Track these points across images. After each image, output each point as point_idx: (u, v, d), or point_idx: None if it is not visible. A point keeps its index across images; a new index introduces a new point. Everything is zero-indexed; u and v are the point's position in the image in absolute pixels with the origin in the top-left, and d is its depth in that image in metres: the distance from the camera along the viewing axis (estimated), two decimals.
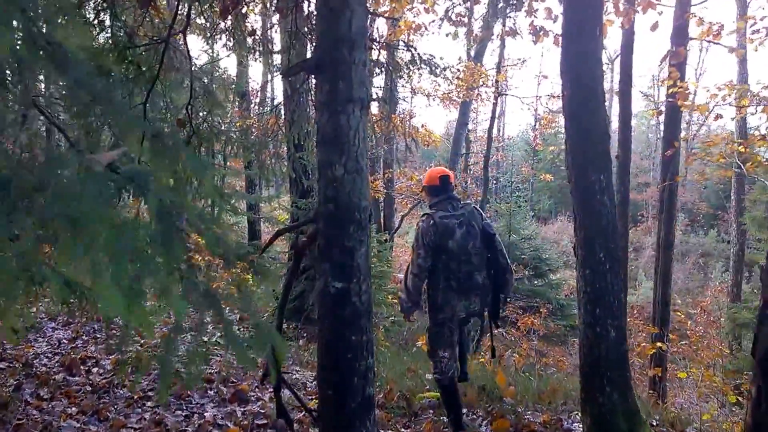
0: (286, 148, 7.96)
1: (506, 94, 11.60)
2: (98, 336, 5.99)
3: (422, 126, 12.38)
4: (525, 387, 5.39)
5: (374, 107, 14.75)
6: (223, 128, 4.09)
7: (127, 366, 5.04)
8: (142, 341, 5.79)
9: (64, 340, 5.79)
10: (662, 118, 8.03)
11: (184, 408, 4.34)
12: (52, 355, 5.34)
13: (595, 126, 3.51)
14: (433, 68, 5.44)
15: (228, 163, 5.77)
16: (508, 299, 4.16)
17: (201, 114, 4.20)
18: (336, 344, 2.30)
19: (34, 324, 6.06)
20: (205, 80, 3.76)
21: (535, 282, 11.74)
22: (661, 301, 8.17)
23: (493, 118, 10.64)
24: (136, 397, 4.45)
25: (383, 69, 12.56)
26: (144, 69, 2.99)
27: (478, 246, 3.70)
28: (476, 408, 4.65)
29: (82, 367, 5.07)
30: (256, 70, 20.69)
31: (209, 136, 3.93)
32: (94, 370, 5.03)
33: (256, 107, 15.13)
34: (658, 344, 6.94)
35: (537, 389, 5.25)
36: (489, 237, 3.75)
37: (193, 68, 3.93)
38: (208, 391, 4.60)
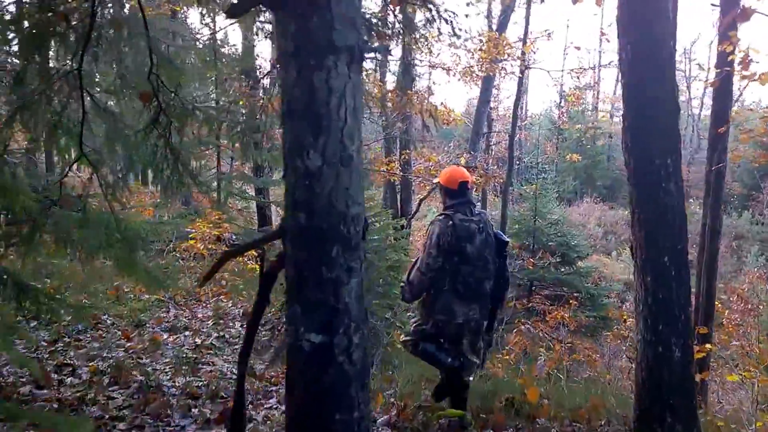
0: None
1: (532, 67, 10.74)
2: (81, 338, 5.39)
3: (441, 103, 11.57)
4: (559, 399, 4.69)
5: (389, 82, 13.97)
6: (203, 105, 3.36)
7: (104, 377, 4.43)
8: (127, 345, 5.19)
9: (44, 342, 5.19)
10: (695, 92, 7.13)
11: (161, 430, 3.71)
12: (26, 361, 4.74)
13: (663, 95, 2.75)
14: (456, 29, 4.61)
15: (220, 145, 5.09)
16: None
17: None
18: (311, 427, 1.59)
19: (13, 324, 5.47)
20: (168, 45, 3.01)
21: (563, 270, 10.95)
22: (706, 296, 7.37)
23: (519, 92, 9.81)
24: (107, 416, 3.84)
25: (395, 33, 11.74)
26: (74, 23, 2.32)
27: (492, 255, 3.65)
28: (505, 429, 3.97)
29: (56, 376, 4.46)
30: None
31: (182, 113, 3.24)
32: (68, 380, 4.42)
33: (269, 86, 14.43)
34: (708, 346, 6.16)
35: (575, 404, 4.54)
36: (502, 245, 3.73)
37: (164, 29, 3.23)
38: (192, 410, 3.96)
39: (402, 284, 3.84)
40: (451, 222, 3.51)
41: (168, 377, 4.35)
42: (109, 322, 6.02)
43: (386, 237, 10.40)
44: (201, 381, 4.26)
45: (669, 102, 2.77)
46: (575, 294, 10.53)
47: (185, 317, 7.45)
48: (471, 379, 3.84)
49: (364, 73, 10.29)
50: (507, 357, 7.54)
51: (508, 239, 3.78)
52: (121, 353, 4.96)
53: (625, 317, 9.11)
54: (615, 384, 6.41)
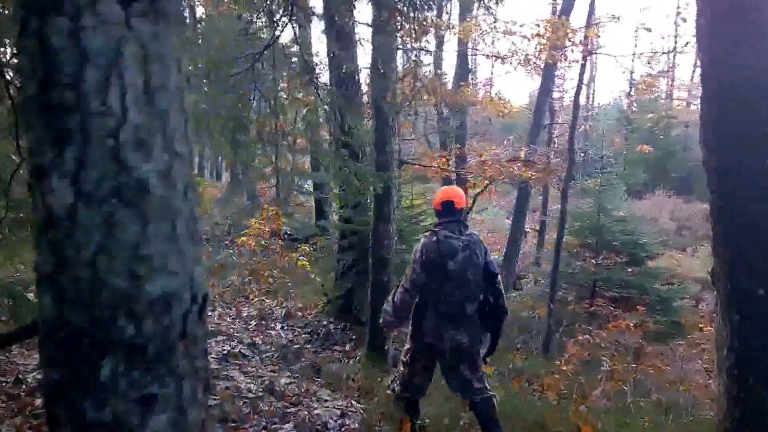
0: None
1: (597, 53, 9.96)
2: None
3: (496, 94, 10.96)
4: None
5: (448, 76, 13.45)
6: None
7: None
8: None
9: None
10: None
11: None
12: None
13: (761, 70, 2.11)
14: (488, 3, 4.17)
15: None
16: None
17: None
18: None
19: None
20: None
21: (630, 270, 10.13)
22: None
23: (580, 81, 9.09)
24: None
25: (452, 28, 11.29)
26: None
27: (476, 276, 3.54)
28: None
29: None
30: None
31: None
32: None
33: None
34: None
35: None
36: (490, 276, 3.60)
37: None
38: None
39: (385, 306, 3.76)
40: (435, 237, 3.49)
41: None
42: None
43: None
44: (215, 400, 3.98)
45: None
46: (644, 297, 9.74)
47: (228, 317, 7.31)
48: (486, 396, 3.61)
49: (415, 55, 9.85)
50: (565, 368, 6.93)
51: (497, 271, 3.68)
52: None
53: (701, 326, 8.30)
54: (691, 404, 5.73)
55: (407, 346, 3.71)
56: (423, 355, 3.61)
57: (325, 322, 6.91)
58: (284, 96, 3.63)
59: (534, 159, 11.85)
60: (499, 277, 3.68)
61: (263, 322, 7.14)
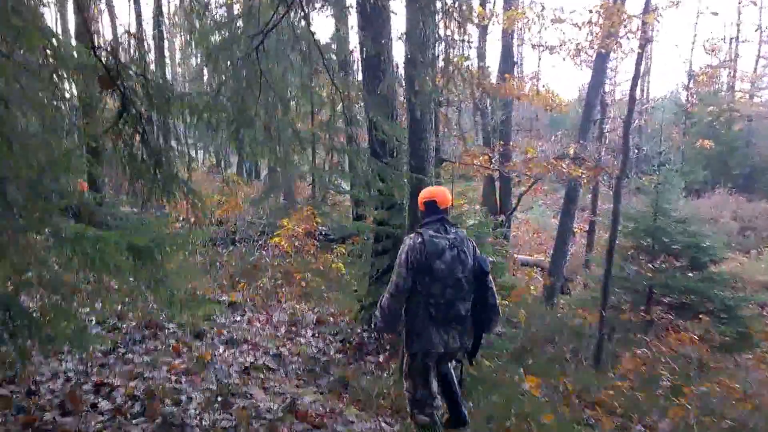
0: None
1: (656, 41, 9.18)
2: (135, 350, 4.96)
3: (544, 87, 10.32)
4: None
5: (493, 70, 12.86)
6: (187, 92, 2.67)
7: (136, 403, 3.91)
8: (173, 363, 4.68)
9: (97, 353, 4.81)
10: None
11: None
12: (70, 377, 4.34)
13: None
14: None
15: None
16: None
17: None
18: None
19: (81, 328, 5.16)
20: None
21: (690, 276, 9.33)
22: None
23: (637, 72, 8.35)
24: None
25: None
26: None
27: (466, 274, 3.48)
28: None
29: (92, 397, 4.01)
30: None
31: (161, 103, 2.56)
32: (101, 404, 3.95)
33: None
34: None
35: None
36: (481, 274, 3.54)
37: None
38: None
39: (375, 312, 3.67)
40: (420, 238, 3.42)
41: (197, 412, 3.74)
42: (171, 329, 5.59)
43: (481, 236, 9.40)
44: (231, 421, 3.60)
45: None
46: (707, 304, 8.95)
47: (258, 322, 6.99)
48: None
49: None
50: (620, 386, 6.32)
51: (488, 268, 3.60)
52: (163, 372, 4.45)
53: None
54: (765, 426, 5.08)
55: (405, 356, 3.71)
56: (419, 363, 3.57)
57: (358, 330, 6.48)
58: (295, 85, 3.19)
59: (584, 156, 11.15)
60: (490, 276, 3.60)
61: (293, 328, 6.78)
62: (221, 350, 5.22)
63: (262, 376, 4.72)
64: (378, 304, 3.61)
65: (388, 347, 6.34)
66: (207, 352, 4.90)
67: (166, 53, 22.15)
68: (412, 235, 3.54)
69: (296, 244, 10.00)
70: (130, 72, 2.58)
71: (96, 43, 2.39)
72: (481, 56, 12.83)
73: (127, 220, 3.58)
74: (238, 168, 23.11)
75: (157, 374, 4.40)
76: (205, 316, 6.09)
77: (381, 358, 6.03)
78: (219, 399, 3.98)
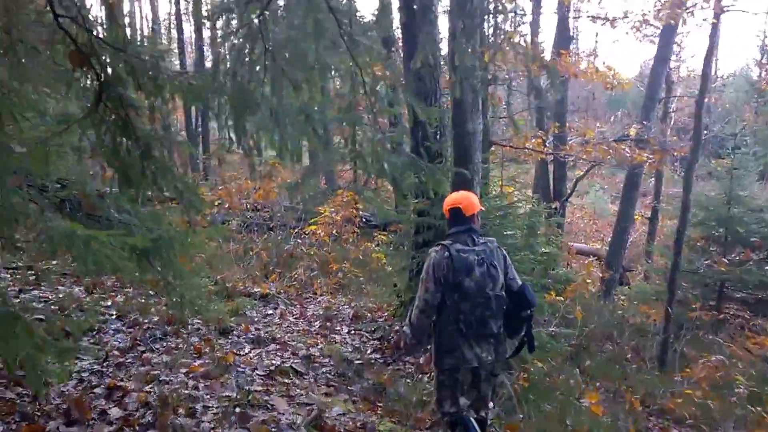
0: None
1: (731, 10, 8.21)
2: (155, 349, 4.64)
3: (603, 63, 9.48)
4: None
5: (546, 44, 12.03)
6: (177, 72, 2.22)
7: (148, 412, 3.56)
8: (193, 364, 4.32)
9: (115, 351, 4.51)
10: None
11: None
12: (84, 378, 4.04)
13: None
14: None
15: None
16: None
17: None
18: None
19: (94, 326, 4.88)
20: None
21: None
22: None
23: (711, 44, 7.45)
24: None
25: None
26: None
27: (497, 291, 3.24)
28: None
29: (103, 402, 3.69)
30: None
31: (147, 84, 2.11)
32: (111, 411, 3.62)
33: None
34: None
35: None
36: (524, 304, 3.24)
37: None
38: None
39: (404, 327, 3.48)
40: (447, 252, 3.17)
41: (211, 426, 3.35)
42: (195, 325, 5.26)
43: (533, 225, 8.74)
44: None
45: None
46: None
47: (291, 316, 6.63)
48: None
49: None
50: (689, 392, 5.66)
51: (535, 300, 3.29)
52: (181, 376, 4.09)
53: None
54: None
55: (434, 370, 3.54)
56: (447, 379, 3.34)
57: (396, 328, 6.00)
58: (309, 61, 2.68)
59: (648, 138, 10.27)
60: (528, 291, 3.27)
61: (328, 324, 6.37)
62: (247, 350, 4.84)
63: (288, 381, 4.30)
64: (407, 319, 3.42)
65: (429, 347, 5.85)
66: (230, 353, 4.52)
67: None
68: (437, 248, 3.25)
69: (334, 231, 9.56)
70: (108, 47, 2.13)
71: (57, 10, 1.94)
72: (535, 31, 12.01)
73: (136, 214, 3.14)
74: (278, 151, 22.71)
75: (174, 377, 4.04)
76: (233, 311, 5.72)
77: (422, 360, 5.54)
78: (237, 410, 3.58)
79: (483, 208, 3.96)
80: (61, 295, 5.26)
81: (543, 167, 12.49)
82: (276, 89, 2.29)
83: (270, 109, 2.35)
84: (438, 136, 6.38)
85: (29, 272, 5.80)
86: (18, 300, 5.04)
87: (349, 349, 5.59)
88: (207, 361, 4.35)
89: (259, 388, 3.97)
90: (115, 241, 2.73)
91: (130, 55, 2.17)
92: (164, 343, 4.71)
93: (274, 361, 4.58)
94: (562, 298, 7.25)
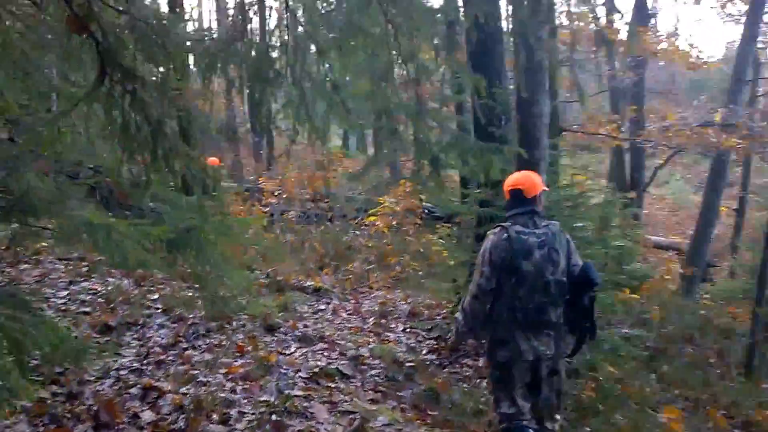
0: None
1: None
2: (197, 346, 4.45)
3: (686, 42, 8.65)
4: None
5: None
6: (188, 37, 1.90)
7: (180, 417, 3.34)
8: (234, 364, 4.08)
9: (156, 348, 4.34)
10: None
11: None
12: (121, 377, 3.88)
13: None
14: None
15: None
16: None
17: None
18: None
19: (138, 320, 4.75)
20: None
21: None
22: None
23: None
24: None
25: None
26: None
27: (557, 277, 2.96)
28: None
29: (137, 404, 3.50)
30: None
31: (157, 52, 1.80)
32: (144, 415, 3.42)
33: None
34: None
35: None
36: (586, 284, 2.95)
37: None
38: None
39: (456, 315, 3.31)
40: (506, 234, 3.03)
41: None
42: (241, 321, 5.04)
43: (607, 217, 8.09)
44: None
45: None
46: None
47: (345, 311, 6.34)
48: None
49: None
50: None
51: (598, 279, 3.00)
52: (219, 376, 3.86)
53: None
54: None
55: (486, 364, 3.36)
56: (502, 374, 3.09)
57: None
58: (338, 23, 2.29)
59: (735, 123, 9.35)
60: (590, 267, 3.00)
61: (383, 321, 6.04)
62: (292, 349, 4.57)
63: (332, 385, 3.99)
64: (459, 306, 3.27)
65: (483, 341, 5.42)
66: (273, 352, 4.26)
67: None
68: (496, 230, 3.09)
69: (394, 223, 9.21)
70: (108, 8, 1.85)
71: None
72: (611, 8, 11.18)
73: (174, 203, 2.89)
74: (343, 140, 22.84)
75: (212, 378, 3.81)
76: (281, 306, 5.47)
77: (480, 362, 5.12)
78: (273, 418, 3.30)
79: (547, 189, 3.62)
80: (109, 288, 5.18)
81: (618, 155, 11.68)
82: (298, 55, 1.94)
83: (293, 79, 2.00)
84: (503, 121, 5.90)
85: (83, 263, 5.78)
86: (66, 292, 4.99)
87: (403, 349, 5.24)
88: (249, 360, 4.11)
89: (300, 393, 3.68)
90: (137, 231, 2.48)
91: (133, 18, 1.87)
92: (207, 340, 4.52)
93: (319, 362, 4.29)
94: (637, 296, 6.68)
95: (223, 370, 3.89)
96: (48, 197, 2.42)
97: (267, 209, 10.64)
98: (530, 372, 3.06)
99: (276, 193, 10.56)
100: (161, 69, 2.02)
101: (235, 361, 4.08)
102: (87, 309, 4.69)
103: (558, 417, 3.20)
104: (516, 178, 3.25)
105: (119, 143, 2.14)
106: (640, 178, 11.21)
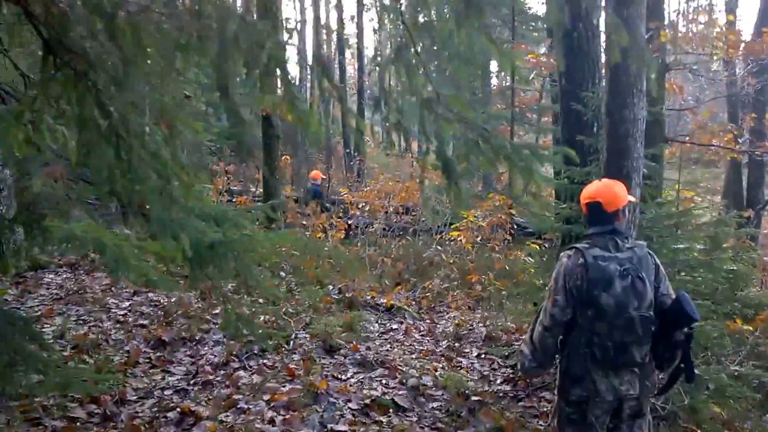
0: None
1: None
2: (249, 367, 4.22)
3: None
4: None
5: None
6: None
7: None
8: (281, 390, 3.80)
9: (206, 366, 4.16)
10: None
11: None
12: (163, 397, 3.71)
13: None
14: None
15: None
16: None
17: None
18: None
19: (195, 335, 4.61)
20: None
21: None
22: None
23: None
24: None
25: None
26: None
27: (643, 311, 2.51)
28: None
29: (172, 431, 3.30)
30: None
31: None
32: None
33: None
34: None
35: None
36: (684, 320, 2.47)
37: None
38: None
39: (522, 347, 2.84)
40: (581, 259, 2.56)
41: None
42: (300, 340, 4.78)
43: (718, 238, 7.15)
44: None
45: None
46: None
47: (418, 332, 5.95)
48: None
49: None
50: None
51: (697, 314, 2.48)
52: (262, 403, 3.58)
53: None
54: None
55: (554, 404, 2.85)
56: (575, 415, 2.62)
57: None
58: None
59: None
60: (684, 299, 2.50)
61: (457, 344, 5.58)
62: (349, 374, 4.22)
63: (384, 419, 3.60)
64: (528, 337, 2.79)
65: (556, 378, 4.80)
66: (327, 377, 3.92)
67: None
68: (570, 252, 2.66)
69: (478, 238, 8.67)
70: None
71: None
72: (731, 8, 10.07)
73: (199, 212, 2.64)
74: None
75: (254, 405, 3.54)
76: (347, 325, 5.16)
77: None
78: None
79: (635, 200, 3.16)
80: (172, 299, 5.10)
81: (735, 170, 10.45)
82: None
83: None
84: (596, 129, 5.31)
85: None
86: (129, 303, 4.96)
87: (475, 377, 4.76)
88: (297, 386, 3.80)
89: (344, 429, 3.32)
90: (143, 247, 2.24)
91: None
92: (261, 360, 4.28)
93: (374, 391, 3.90)
94: (750, 328, 5.76)
95: (266, 396, 3.60)
96: (56, 205, 2.24)
97: (351, 221, 10.46)
98: (609, 414, 2.64)
99: (360, 206, 10.34)
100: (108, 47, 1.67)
101: (283, 386, 3.79)
102: (144, 322, 4.62)
103: None
104: (595, 189, 2.78)
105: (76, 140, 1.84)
106: (758, 196, 9.93)
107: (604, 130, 3.93)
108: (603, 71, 5.53)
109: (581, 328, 2.62)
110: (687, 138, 8.35)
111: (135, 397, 3.58)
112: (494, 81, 20.17)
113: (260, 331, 3.23)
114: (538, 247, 9.65)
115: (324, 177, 14.30)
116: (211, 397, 3.62)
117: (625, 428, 2.68)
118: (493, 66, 16.93)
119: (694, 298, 4.96)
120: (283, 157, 12.65)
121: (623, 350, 2.56)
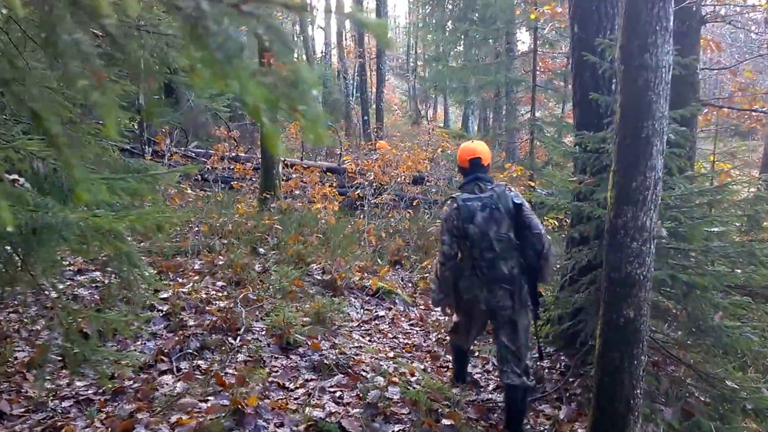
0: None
1: None
2: (178, 368, 3.50)
3: None
4: None
5: None
6: None
7: None
8: (205, 404, 3.06)
9: (128, 368, 3.43)
10: None
11: None
12: (66, 406, 3.03)
13: None
14: None
15: None
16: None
17: None
18: None
19: (129, 323, 3.90)
20: None
21: None
22: None
23: None
24: None
25: None
26: None
27: (503, 232, 3.31)
28: None
29: None
30: None
31: None
32: None
33: None
34: None
35: None
36: (516, 212, 3.31)
37: None
38: None
39: (430, 284, 3.78)
40: (455, 204, 3.37)
41: None
42: (255, 332, 4.05)
43: (756, 217, 6.23)
44: None
45: None
46: None
47: (406, 321, 5.30)
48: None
49: None
50: None
51: (519, 200, 3.33)
52: (163, 430, 2.84)
53: None
54: None
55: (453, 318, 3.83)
56: (464, 306, 3.57)
57: (536, 354, 4.24)
58: None
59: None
60: (525, 209, 3.31)
61: (449, 337, 4.80)
62: (299, 382, 3.47)
63: None
64: (433, 276, 3.60)
65: (577, 392, 4.00)
66: (258, 393, 3.16)
67: None
68: (448, 201, 3.48)
69: None
70: None
71: None
72: None
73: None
74: (463, 122, 21.79)
75: (156, 429, 2.79)
76: (315, 314, 4.39)
77: (562, 412, 3.74)
78: None
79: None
80: (119, 281, 4.38)
81: None
82: None
83: None
84: (615, 85, 4.39)
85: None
86: (67, 284, 4.22)
87: (462, 384, 3.99)
88: (223, 401, 3.05)
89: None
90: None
91: None
92: (195, 361, 3.55)
93: (318, 412, 3.12)
94: None
95: (175, 417, 2.84)
96: None
97: (356, 191, 9.63)
98: (488, 318, 3.53)
99: (363, 174, 9.42)
100: None
101: (204, 402, 3.04)
102: (76, 306, 3.92)
103: (518, 369, 3.32)
104: (473, 148, 3.52)
105: None
106: None
107: (618, 80, 3.01)
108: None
109: (464, 257, 3.41)
110: (724, 102, 7.30)
111: (22, 410, 2.89)
112: (520, 47, 19.00)
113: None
114: (557, 221, 8.81)
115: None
116: (111, 414, 2.90)
117: (501, 332, 3.37)
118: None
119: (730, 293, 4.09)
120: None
121: (492, 265, 3.29)
